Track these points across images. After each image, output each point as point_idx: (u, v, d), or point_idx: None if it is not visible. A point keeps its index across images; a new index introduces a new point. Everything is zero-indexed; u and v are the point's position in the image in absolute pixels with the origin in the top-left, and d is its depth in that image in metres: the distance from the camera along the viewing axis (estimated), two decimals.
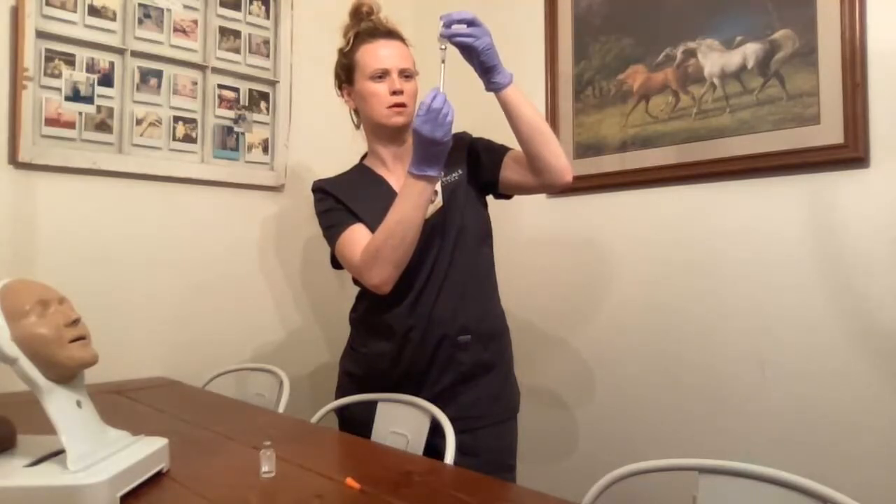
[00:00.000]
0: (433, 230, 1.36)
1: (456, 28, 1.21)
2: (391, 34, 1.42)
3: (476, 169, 1.43)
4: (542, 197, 2.02)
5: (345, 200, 1.40)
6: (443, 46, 1.22)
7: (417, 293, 1.36)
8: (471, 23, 1.21)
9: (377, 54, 1.39)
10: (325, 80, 2.18)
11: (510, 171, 1.39)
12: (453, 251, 1.37)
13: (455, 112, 1.23)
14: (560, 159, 1.31)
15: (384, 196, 1.36)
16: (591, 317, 1.90)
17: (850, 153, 1.41)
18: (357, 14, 1.45)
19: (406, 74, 1.41)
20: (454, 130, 1.46)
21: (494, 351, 1.42)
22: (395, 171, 1.44)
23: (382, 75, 1.39)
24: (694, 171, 1.67)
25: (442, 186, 1.38)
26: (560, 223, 1.99)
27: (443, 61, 1.23)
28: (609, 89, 1.86)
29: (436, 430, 1.26)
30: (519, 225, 2.03)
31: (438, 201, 1.37)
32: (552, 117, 1.99)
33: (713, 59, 1.64)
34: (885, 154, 1.39)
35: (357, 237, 1.35)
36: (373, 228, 1.34)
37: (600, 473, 0.98)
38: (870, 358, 1.40)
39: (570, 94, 1.96)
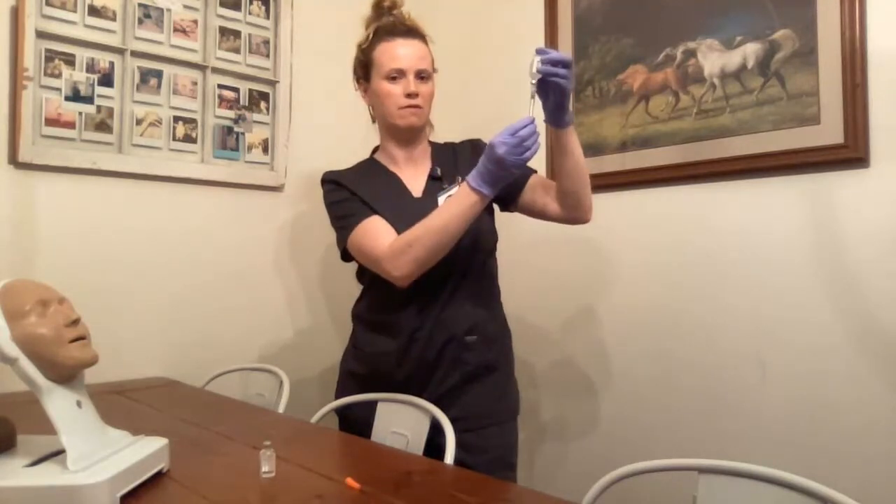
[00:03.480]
0: None
1: (555, 68, 1.17)
2: (410, 32, 1.40)
3: None
4: None
5: (359, 193, 1.40)
6: (534, 81, 1.19)
7: (428, 296, 1.36)
8: (568, 65, 1.18)
9: (394, 54, 1.38)
10: (324, 79, 2.19)
11: (536, 196, 1.40)
12: (467, 258, 1.37)
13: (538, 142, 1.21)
14: (591, 199, 1.35)
15: (398, 192, 1.37)
16: (590, 316, 1.90)
17: (850, 153, 1.41)
18: (378, 7, 1.43)
19: (422, 76, 1.39)
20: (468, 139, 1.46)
21: (498, 352, 1.43)
22: (406, 171, 1.44)
23: (398, 76, 1.37)
24: (694, 171, 1.67)
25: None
26: (560, 223, 1.98)
27: (533, 95, 1.20)
28: (609, 89, 1.86)
29: (438, 429, 1.26)
30: (519, 225, 2.02)
31: None
32: None
33: (713, 59, 1.64)
34: (885, 154, 1.39)
35: (379, 228, 1.33)
36: (391, 222, 1.34)
37: (600, 473, 0.98)
38: (870, 358, 1.40)
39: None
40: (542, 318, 2.00)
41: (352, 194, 1.41)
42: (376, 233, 1.33)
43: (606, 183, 1.85)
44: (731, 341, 1.60)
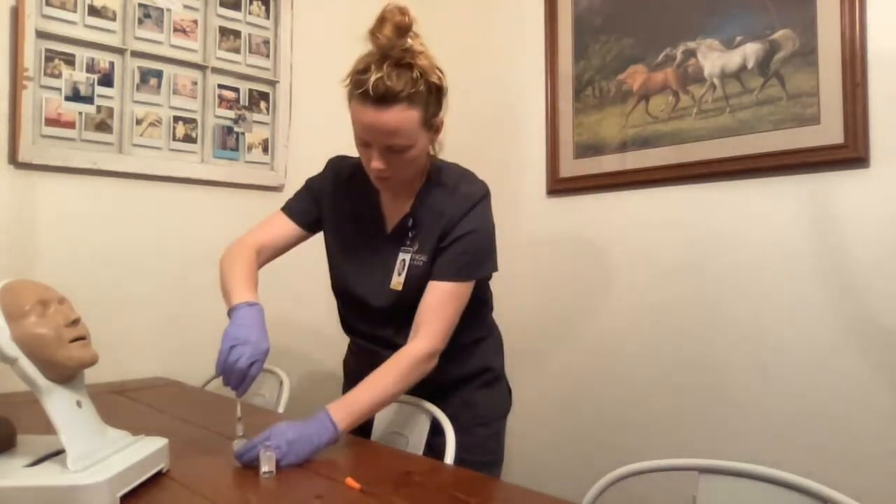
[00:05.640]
0: (400, 299, 1.29)
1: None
2: (383, 100, 1.12)
3: (436, 258, 1.29)
4: (541, 197, 2.02)
5: (325, 200, 1.37)
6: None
7: (387, 336, 1.31)
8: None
9: (361, 121, 1.16)
10: (324, 80, 2.19)
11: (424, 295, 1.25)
12: (411, 295, 1.28)
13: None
14: (424, 370, 1.22)
15: (370, 220, 1.33)
16: (590, 316, 1.90)
17: (850, 153, 1.41)
18: (374, 40, 1.14)
19: (395, 150, 1.17)
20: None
21: (471, 366, 1.38)
22: (391, 200, 1.35)
23: (366, 144, 1.19)
24: (694, 171, 1.67)
25: (409, 263, 1.28)
26: (560, 223, 1.99)
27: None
28: (609, 89, 1.86)
29: (432, 429, 1.26)
30: (518, 225, 2.02)
31: (400, 280, 1.28)
32: (552, 117, 1.99)
33: (713, 59, 1.64)
34: (885, 154, 1.39)
35: (274, 224, 1.36)
36: (335, 252, 1.35)
37: (600, 474, 0.98)
38: (870, 358, 1.40)
39: (570, 94, 1.96)
40: (542, 317, 2.00)
41: (315, 191, 1.38)
42: (266, 225, 1.37)
43: (606, 183, 1.85)
44: (731, 341, 1.60)
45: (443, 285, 1.23)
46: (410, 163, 1.21)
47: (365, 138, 1.18)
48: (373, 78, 1.11)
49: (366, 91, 1.12)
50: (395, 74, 1.12)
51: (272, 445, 0.99)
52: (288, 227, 1.38)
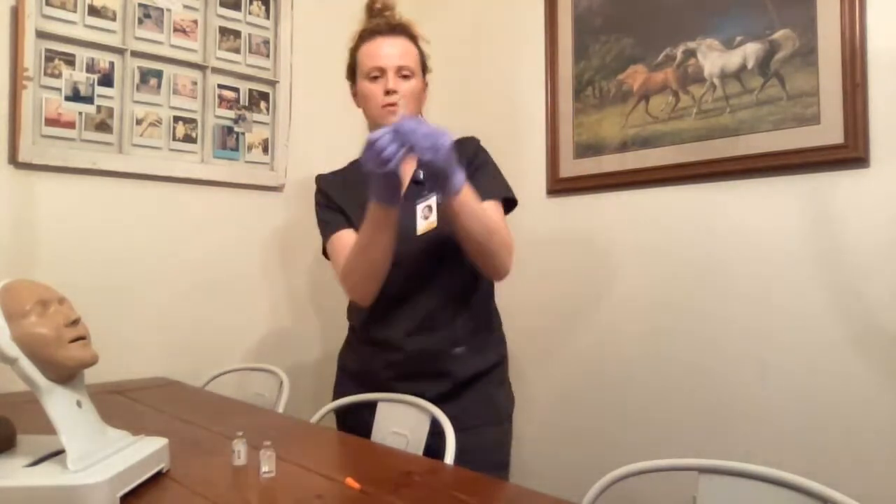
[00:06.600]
0: (428, 247, 1.32)
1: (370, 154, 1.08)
2: (394, 30, 1.38)
3: None
4: (541, 197, 2.02)
5: (338, 201, 1.41)
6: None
7: (409, 310, 1.35)
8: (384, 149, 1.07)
9: (374, 52, 1.36)
10: (324, 80, 2.19)
11: None
12: (448, 268, 1.35)
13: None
14: (499, 265, 1.30)
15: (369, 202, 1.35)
16: (590, 317, 1.90)
17: (850, 153, 1.41)
18: (370, 10, 1.42)
19: (403, 73, 1.36)
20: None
21: (488, 358, 1.41)
22: None
23: (378, 74, 1.35)
24: (694, 171, 1.67)
25: (438, 204, 1.30)
26: (560, 223, 1.99)
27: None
28: (609, 89, 1.86)
29: (432, 430, 1.26)
30: (519, 225, 2.01)
31: (433, 220, 1.29)
32: (552, 117, 1.99)
33: (713, 59, 1.64)
34: (885, 154, 1.39)
35: (344, 244, 1.35)
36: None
37: (600, 474, 0.98)
38: (870, 358, 1.40)
39: (570, 94, 1.96)
40: (542, 317, 2.00)
41: (328, 202, 1.42)
42: (341, 250, 1.35)
43: (606, 183, 1.85)
44: (731, 341, 1.60)
45: (486, 203, 1.29)
46: (412, 95, 1.37)
47: (378, 66, 1.35)
48: (382, 20, 1.38)
49: (376, 25, 1.38)
50: (396, 20, 1.40)
51: (405, 122, 1.09)
52: (348, 237, 1.37)
